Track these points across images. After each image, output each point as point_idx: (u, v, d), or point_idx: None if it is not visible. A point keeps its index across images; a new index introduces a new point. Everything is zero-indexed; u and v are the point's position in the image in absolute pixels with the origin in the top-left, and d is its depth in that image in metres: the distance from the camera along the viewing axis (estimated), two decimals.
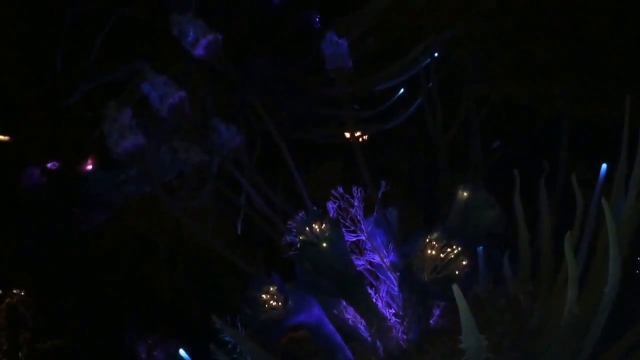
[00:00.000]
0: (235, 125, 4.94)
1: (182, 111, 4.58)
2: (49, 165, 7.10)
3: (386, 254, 4.57)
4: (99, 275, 7.35)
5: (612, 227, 3.47)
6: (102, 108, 4.51)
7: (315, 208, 4.55)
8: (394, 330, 4.31)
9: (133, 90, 6.21)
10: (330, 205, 4.51)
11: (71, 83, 6.95)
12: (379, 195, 4.61)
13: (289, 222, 4.36)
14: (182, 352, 4.66)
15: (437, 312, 4.30)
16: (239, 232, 7.13)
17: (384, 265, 4.55)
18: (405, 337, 4.28)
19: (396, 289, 4.46)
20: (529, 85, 7.27)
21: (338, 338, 4.35)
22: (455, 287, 3.23)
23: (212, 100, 6.63)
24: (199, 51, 4.71)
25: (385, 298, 4.48)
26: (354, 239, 4.53)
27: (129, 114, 4.45)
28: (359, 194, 4.48)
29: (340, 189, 4.51)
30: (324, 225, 4.23)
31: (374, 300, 4.44)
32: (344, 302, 4.47)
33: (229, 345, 4.97)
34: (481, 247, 4.47)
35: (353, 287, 4.34)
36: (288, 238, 4.34)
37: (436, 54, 6.70)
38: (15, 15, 7.11)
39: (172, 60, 6.42)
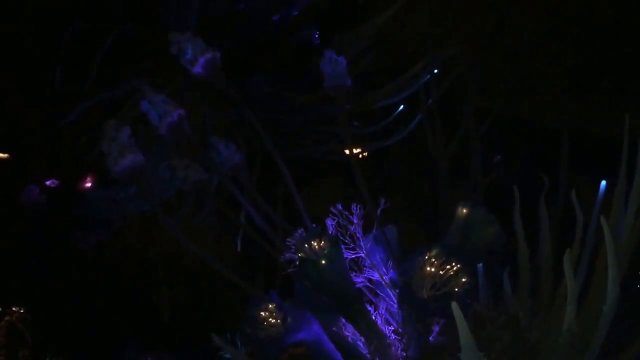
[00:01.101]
0: (235, 143, 4.96)
1: (181, 129, 4.61)
2: (48, 183, 7.12)
3: (385, 271, 4.58)
4: (98, 293, 7.35)
5: (610, 245, 3.49)
6: (101, 126, 4.53)
7: (314, 225, 4.57)
8: (393, 348, 4.32)
9: (132, 109, 6.24)
10: (329, 222, 4.52)
11: (70, 101, 6.97)
12: (378, 213, 4.63)
13: (287, 240, 4.38)
14: None
15: (436, 329, 4.30)
16: (239, 250, 7.14)
17: (383, 282, 4.56)
18: (404, 354, 4.28)
19: (395, 306, 4.47)
20: (530, 101, 7.29)
21: (337, 355, 4.35)
22: (454, 305, 3.25)
23: (211, 118, 6.65)
24: (197, 69, 4.74)
25: (385, 315, 4.49)
26: (353, 256, 4.54)
27: (128, 132, 4.47)
28: (358, 211, 4.50)
29: (340, 206, 4.52)
30: (322, 242, 4.25)
31: (373, 317, 4.45)
32: (343, 319, 4.47)
33: None
34: (481, 264, 4.49)
35: (352, 304, 4.35)
36: (287, 255, 4.35)
37: (436, 71, 6.72)
38: (14, 33, 7.14)
39: (171, 79, 6.45)
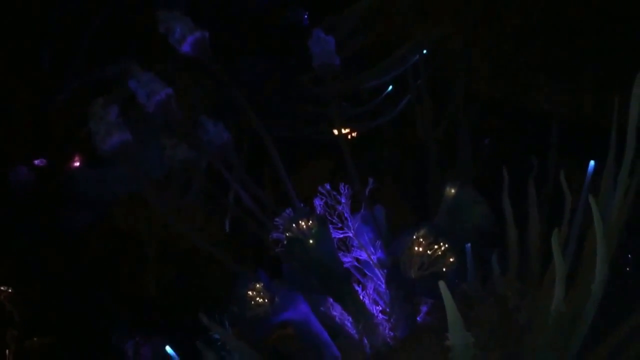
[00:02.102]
0: (223, 123, 4.92)
1: (169, 108, 4.57)
2: (36, 162, 7.07)
3: (373, 251, 4.55)
4: (86, 273, 7.31)
5: (599, 224, 3.46)
6: (90, 106, 4.49)
7: (302, 205, 4.54)
8: (381, 328, 4.29)
9: (120, 88, 6.18)
10: (317, 202, 4.49)
11: (59, 81, 6.92)
12: (367, 193, 4.59)
13: (275, 219, 4.35)
14: (168, 349, 4.65)
15: (424, 309, 4.28)
16: (227, 230, 7.11)
17: (371, 262, 4.54)
18: (392, 334, 4.26)
19: (383, 286, 4.45)
20: (519, 84, 7.26)
21: (325, 335, 4.34)
22: (442, 284, 3.21)
23: (200, 98, 6.61)
24: (185, 48, 4.69)
25: (373, 295, 4.47)
26: (341, 235, 4.51)
27: (116, 111, 4.43)
28: (346, 191, 4.46)
29: (328, 186, 4.49)
30: (310, 222, 4.22)
31: (361, 297, 4.43)
32: (331, 299, 4.45)
33: (217, 343, 4.95)
34: (469, 245, 4.46)
35: (340, 284, 4.32)
36: (275, 235, 4.32)
37: (425, 52, 6.68)
38: (2, 14, 7.07)
39: (159, 58, 6.40)
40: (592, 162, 4.41)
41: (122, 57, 6.66)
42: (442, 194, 4.50)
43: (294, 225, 4.25)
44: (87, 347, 6.89)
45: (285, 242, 4.26)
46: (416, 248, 4.07)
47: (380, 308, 4.41)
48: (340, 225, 4.50)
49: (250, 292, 4.29)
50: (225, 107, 6.43)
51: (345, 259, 4.53)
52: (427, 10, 6.88)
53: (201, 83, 6.69)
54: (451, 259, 4.05)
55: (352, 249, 4.57)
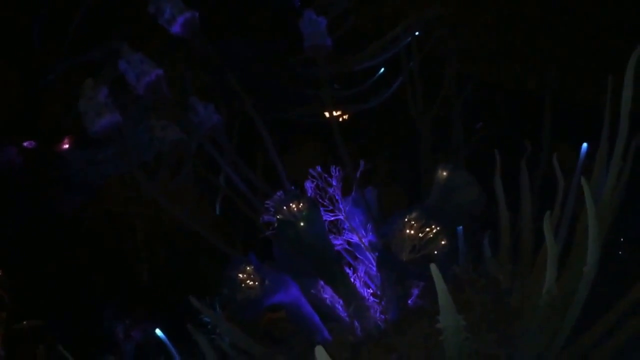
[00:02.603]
0: (214, 104, 4.90)
1: (159, 89, 4.55)
2: (25, 144, 7.04)
3: (364, 233, 4.54)
4: (76, 256, 7.30)
5: (591, 206, 3.46)
6: (79, 86, 4.47)
7: (293, 187, 4.52)
8: (371, 310, 4.29)
9: (110, 69, 6.16)
10: (308, 184, 4.47)
11: (48, 61, 6.89)
12: (358, 175, 4.58)
13: (266, 202, 4.33)
14: (158, 332, 4.65)
15: (415, 292, 4.27)
16: (218, 212, 7.11)
17: (362, 245, 4.52)
18: (383, 317, 4.26)
19: (374, 268, 4.44)
20: (512, 66, 7.26)
21: (316, 318, 4.32)
22: (433, 267, 3.20)
23: (190, 79, 6.59)
24: (175, 28, 4.66)
25: (364, 278, 4.45)
26: (332, 218, 4.49)
27: (106, 92, 4.41)
28: (337, 173, 4.44)
29: (319, 168, 4.47)
30: (301, 204, 4.20)
31: (352, 280, 4.41)
32: (322, 282, 4.44)
33: (208, 326, 4.96)
34: (461, 227, 4.46)
35: (331, 266, 4.31)
36: (265, 217, 4.31)
37: (417, 33, 6.66)
38: None
39: (149, 39, 6.37)
40: (584, 144, 4.41)
41: (112, 38, 6.64)
42: (434, 176, 4.49)
43: (284, 207, 4.22)
44: (77, 330, 6.88)
45: (276, 225, 4.24)
46: (408, 231, 4.06)
47: (371, 291, 4.40)
48: (331, 207, 4.48)
49: (240, 275, 4.27)
50: (216, 89, 6.41)
51: (336, 242, 4.52)
52: None
53: (192, 64, 6.67)
54: (443, 242, 4.04)
55: (343, 231, 4.55)
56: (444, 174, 4.43)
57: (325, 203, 4.46)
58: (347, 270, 4.46)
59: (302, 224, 4.17)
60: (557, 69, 6.98)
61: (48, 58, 6.95)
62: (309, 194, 4.43)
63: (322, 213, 4.36)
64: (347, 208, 4.53)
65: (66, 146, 6.94)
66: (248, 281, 4.26)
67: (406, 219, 4.09)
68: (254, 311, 4.29)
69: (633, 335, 4.03)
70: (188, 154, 5.22)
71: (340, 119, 7.21)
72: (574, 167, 4.43)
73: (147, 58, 4.60)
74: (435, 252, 4.02)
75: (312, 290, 4.46)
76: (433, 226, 4.06)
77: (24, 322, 6.58)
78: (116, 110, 4.40)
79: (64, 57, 6.85)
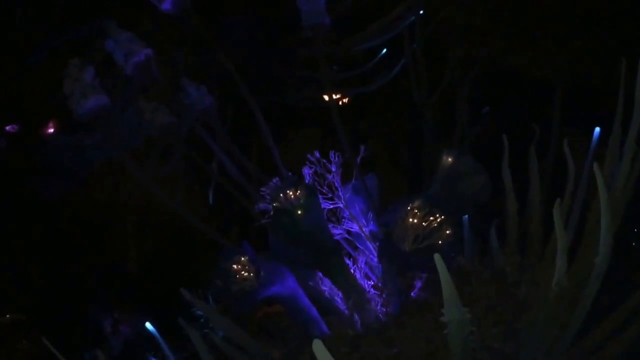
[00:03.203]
0: (206, 86, 4.90)
1: (148, 70, 4.55)
2: (7, 128, 7.03)
3: (365, 222, 4.55)
4: (62, 246, 7.31)
5: (604, 194, 3.45)
6: (65, 67, 4.46)
7: (290, 174, 4.53)
8: (372, 303, 4.31)
9: (98, 49, 6.15)
10: (306, 171, 4.47)
11: (33, 41, 6.88)
12: (358, 161, 4.58)
13: (262, 189, 4.33)
14: (149, 326, 4.65)
15: (418, 284, 4.29)
16: (211, 201, 7.11)
17: (362, 234, 4.54)
18: (384, 310, 4.27)
19: (375, 259, 4.45)
20: (520, 47, 7.24)
21: (313, 311, 4.34)
22: (437, 257, 3.20)
23: (181, 60, 6.58)
24: (166, 6, 4.66)
25: (364, 269, 4.47)
26: (331, 206, 4.51)
27: (92, 73, 4.41)
28: (337, 159, 4.44)
29: (317, 154, 4.47)
30: (298, 191, 4.21)
31: (352, 271, 4.43)
32: (320, 274, 4.45)
33: (200, 320, 4.97)
34: (466, 216, 4.47)
35: (330, 257, 4.33)
36: (261, 205, 4.31)
37: (421, 12, 6.65)
38: None
39: (138, 17, 6.37)
40: (597, 129, 4.40)
41: (99, 16, 6.62)
42: (438, 162, 4.50)
43: (281, 195, 4.24)
44: (63, 324, 6.89)
45: (272, 213, 4.25)
46: (410, 220, 4.08)
47: (372, 283, 4.42)
48: (330, 195, 4.49)
49: (235, 266, 4.28)
50: (208, 70, 6.40)
51: (335, 231, 4.53)
52: None
53: (183, 43, 6.66)
54: (447, 231, 4.05)
55: (343, 220, 4.57)
56: (449, 160, 4.43)
57: (324, 190, 4.47)
58: (347, 261, 4.47)
59: (299, 212, 4.19)
60: (567, 51, 6.98)
61: (32, 37, 6.94)
62: (306, 181, 4.43)
63: (321, 201, 4.37)
64: (346, 195, 4.54)
65: (50, 130, 6.93)
66: (242, 272, 4.27)
67: (409, 208, 4.10)
68: (248, 304, 4.30)
69: None
70: (179, 139, 5.20)
71: (340, 103, 7.20)
72: (586, 153, 4.42)
73: (136, 37, 4.60)
74: (440, 242, 4.03)
75: (310, 282, 4.48)
76: (437, 215, 4.07)
77: (7, 316, 6.59)
78: (103, 92, 4.41)
79: (48, 36, 6.83)
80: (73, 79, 4.39)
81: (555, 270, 3.58)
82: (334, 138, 4.77)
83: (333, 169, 4.45)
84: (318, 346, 2.60)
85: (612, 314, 4.04)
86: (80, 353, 6.29)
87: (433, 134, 6.82)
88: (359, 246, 4.58)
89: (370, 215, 4.56)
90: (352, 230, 4.59)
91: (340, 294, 4.39)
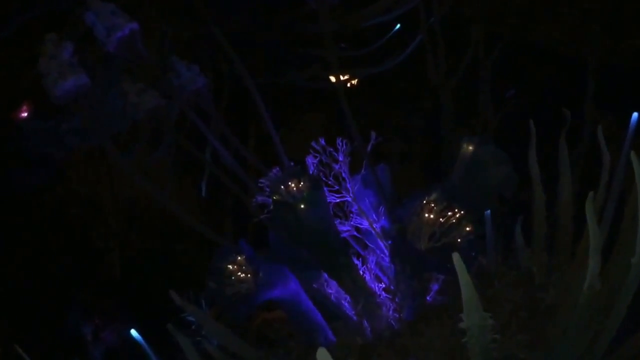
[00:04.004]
0: (198, 65, 4.91)
1: (134, 46, 4.56)
2: None
3: (376, 218, 4.55)
4: (37, 245, 7.34)
5: None
6: (40, 43, 4.48)
7: (292, 163, 4.53)
8: (384, 308, 4.32)
9: (76, 23, 6.17)
10: (310, 160, 4.48)
11: (2, 13, 6.90)
12: (369, 149, 4.59)
13: (260, 180, 4.34)
14: (134, 333, 4.67)
15: (435, 287, 4.30)
16: (204, 193, 7.13)
17: (373, 231, 4.54)
18: (397, 315, 4.28)
19: (387, 259, 4.46)
20: (550, 23, 7.25)
21: (318, 317, 4.35)
22: (456, 257, 3.22)
23: (171, 35, 6.60)
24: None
25: (374, 270, 4.47)
26: (338, 200, 4.51)
27: (70, 50, 4.42)
28: (345, 147, 4.45)
29: (323, 142, 4.48)
30: (302, 183, 4.22)
31: (361, 272, 4.44)
32: (326, 275, 4.46)
33: (192, 327, 4.99)
34: (488, 211, 4.47)
35: (336, 256, 4.33)
36: (259, 199, 4.32)
37: None
38: None
39: None
40: (635, 114, 4.41)
41: None
42: (457, 151, 4.50)
43: (282, 187, 4.24)
44: (39, 331, 6.93)
45: (271, 208, 4.26)
46: (426, 215, 4.09)
47: (384, 285, 4.43)
48: (337, 187, 4.49)
49: (230, 266, 4.29)
50: (201, 46, 6.42)
51: (342, 228, 4.54)
52: None
53: (172, 17, 6.68)
54: (467, 228, 4.06)
55: (351, 215, 4.57)
56: (470, 148, 4.43)
57: (330, 182, 4.47)
58: (356, 261, 4.48)
59: (302, 206, 4.19)
60: (601, 27, 6.99)
61: (2, 9, 6.96)
62: (310, 171, 4.44)
63: (326, 194, 4.37)
64: (355, 188, 4.54)
65: (24, 114, 6.96)
66: (239, 274, 4.28)
67: (425, 201, 4.11)
68: (245, 309, 4.31)
69: None
70: (168, 124, 5.23)
71: (348, 85, 7.21)
72: (622, 140, 4.43)
73: (120, 9, 4.61)
74: (459, 240, 4.04)
75: (314, 285, 4.49)
76: (456, 210, 4.08)
77: None
78: (83, 71, 4.42)
79: (21, 8, 6.85)
80: (49, 56, 4.40)
81: (588, 272, 3.60)
82: (342, 123, 4.78)
83: (340, 158, 4.46)
84: (323, 356, 2.62)
85: None
86: None
87: (452, 119, 6.84)
88: (369, 244, 4.59)
89: (382, 209, 4.57)
90: (361, 226, 4.59)
91: (348, 298, 4.40)
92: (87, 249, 7.55)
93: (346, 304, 4.43)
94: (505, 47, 7.28)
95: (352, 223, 4.58)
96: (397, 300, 4.31)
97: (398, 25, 7.02)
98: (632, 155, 3.45)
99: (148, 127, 6.06)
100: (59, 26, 6.47)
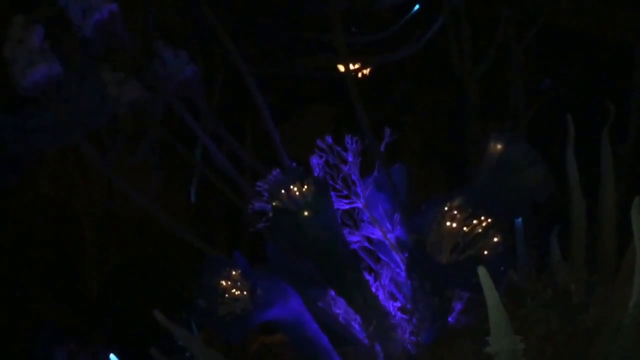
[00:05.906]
0: (187, 52, 4.93)
1: (113, 31, 4.57)
2: None
3: (390, 227, 4.57)
4: (1, 258, 7.36)
5: None
6: (5, 26, 4.50)
7: (294, 164, 4.54)
8: (399, 331, 4.33)
9: (48, 3, 6.20)
10: (315, 160, 4.49)
11: None
12: (382, 148, 4.60)
13: (258, 184, 4.35)
14: (113, 358, 4.69)
15: (458, 306, 4.31)
16: (193, 198, 7.15)
17: (387, 242, 4.56)
18: (414, 338, 4.29)
19: (403, 274, 4.47)
20: (592, 4, 7.26)
21: (324, 339, 4.36)
22: (482, 272, 3.23)
23: (155, 17, 6.61)
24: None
25: (389, 287, 4.49)
26: (347, 206, 4.52)
27: (41, 34, 4.44)
28: (355, 145, 4.46)
29: (330, 140, 4.48)
30: (305, 187, 4.23)
31: (373, 289, 4.45)
32: (333, 292, 4.48)
33: (179, 351, 5.00)
34: (520, 219, 4.47)
35: (344, 271, 4.34)
36: (257, 205, 4.33)
37: None
38: None
39: None
40: None
41: None
42: (484, 150, 4.51)
43: (283, 191, 4.25)
44: (5, 356, 6.95)
45: (270, 215, 4.27)
46: (448, 223, 4.08)
47: (399, 304, 4.44)
48: (345, 192, 4.51)
49: (223, 282, 4.30)
50: (190, 31, 6.44)
51: (351, 238, 4.55)
52: None
53: None
54: (495, 239, 4.05)
55: (362, 224, 4.58)
56: (498, 147, 4.44)
57: (337, 186, 4.49)
58: (367, 277, 4.49)
59: (306, 213, 4.20)
60: None
61: None
62: (315, 174, 4.45)
63: (334, 199, 4.38)
64: (367, 193, 4.56)
65: None
66: (233, 290, 4.28)
67: (447, 208, 4.10)
68: (241, 331, 4.32)
69: None
70: (153, 119, 5.24)
71: (359, 74, 7.23)
72: None
73: None
74: (485, 253, 4.03)
75: (320, 303, 4.50)
76: (482, 217, 4.07)
77: None
78: (55, 58, 4.43)
79: None
80: (16, 41, 4.42)
81: (633, 289, 3.60)
82: (351, 119, 4.79)
83: (350, 159, 4.47)
84: None
85: None
86: None
87: (478, 113, 6.85)
88: (382, 258, 4.61)
89: (397, 217, 4.58)
90: (373, 237, 4.61)
91: (358, 319, 4.42)
92: (59, 262, 7.57)
93: (356, 326, 4.45)
94: (539, 31, 7.29)
95: (363, 233, 4.59)
96: (414, 321, 4.32)
97: (417, 6, 7.03)
98: None
99: (130, 123, 6.07)
100: (28, 7, 6.51)
